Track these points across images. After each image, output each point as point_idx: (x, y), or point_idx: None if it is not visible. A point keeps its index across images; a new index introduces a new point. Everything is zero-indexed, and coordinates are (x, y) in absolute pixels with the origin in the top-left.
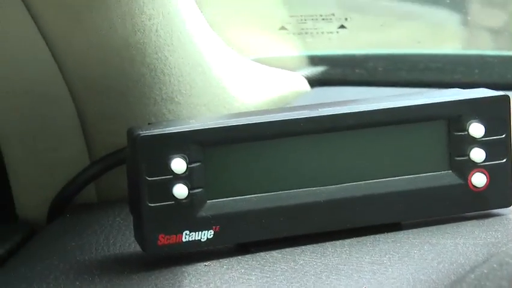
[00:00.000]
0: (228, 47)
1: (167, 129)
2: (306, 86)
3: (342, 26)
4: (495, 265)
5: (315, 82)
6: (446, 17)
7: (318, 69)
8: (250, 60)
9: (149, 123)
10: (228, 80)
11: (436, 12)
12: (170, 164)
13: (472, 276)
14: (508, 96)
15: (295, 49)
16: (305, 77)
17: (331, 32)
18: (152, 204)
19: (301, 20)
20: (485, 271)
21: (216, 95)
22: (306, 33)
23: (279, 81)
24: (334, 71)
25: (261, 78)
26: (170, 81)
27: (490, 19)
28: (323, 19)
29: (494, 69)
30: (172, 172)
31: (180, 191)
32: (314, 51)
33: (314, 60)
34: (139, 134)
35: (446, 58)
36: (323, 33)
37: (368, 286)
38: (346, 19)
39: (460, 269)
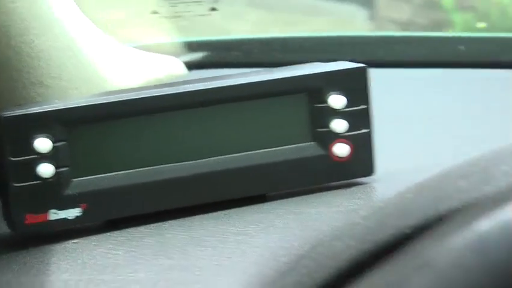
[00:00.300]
0: (101, 31)
1: (31, 109)
2: (184, 69)
3: (213, 9)
4: (347, 226)
5: (193, 66)
6: (354, 12)
7: (196, 54)
8: (128, 46)
9: (15, 106)
10: (100, 63)
11: (344, 7)
12: (34, 143)
13: (327, 239)
14: (366, 67)
15: (172, 34)
16: (184, 62)
17: (203, 15)
18: (17, 184)
19: (173, 3)
20: (337, 233)
21: (88, 79)
22: (179, 16)
23: (154, 65)
24: (211, 55)
25: (136, 61)
26: (39, 64)
27: (397, 12)
28: (194, 1)
29: (365, 48)
30: (36, 152)
31: (45, 170)
32: (192, 37)
33: (192, 46)
34: (2, 115)
35: (319, 39)
36: (195, 16)
37: (231, 256)
38: (216, 1)
39: (322, 235)
